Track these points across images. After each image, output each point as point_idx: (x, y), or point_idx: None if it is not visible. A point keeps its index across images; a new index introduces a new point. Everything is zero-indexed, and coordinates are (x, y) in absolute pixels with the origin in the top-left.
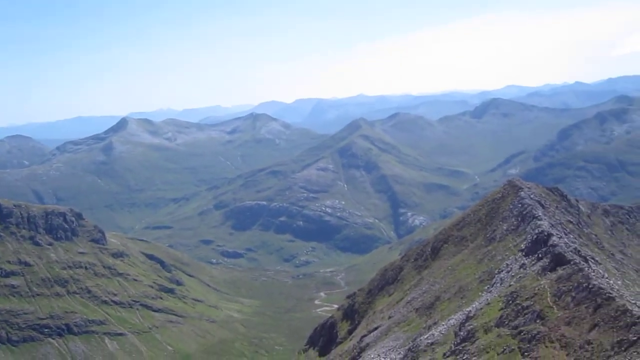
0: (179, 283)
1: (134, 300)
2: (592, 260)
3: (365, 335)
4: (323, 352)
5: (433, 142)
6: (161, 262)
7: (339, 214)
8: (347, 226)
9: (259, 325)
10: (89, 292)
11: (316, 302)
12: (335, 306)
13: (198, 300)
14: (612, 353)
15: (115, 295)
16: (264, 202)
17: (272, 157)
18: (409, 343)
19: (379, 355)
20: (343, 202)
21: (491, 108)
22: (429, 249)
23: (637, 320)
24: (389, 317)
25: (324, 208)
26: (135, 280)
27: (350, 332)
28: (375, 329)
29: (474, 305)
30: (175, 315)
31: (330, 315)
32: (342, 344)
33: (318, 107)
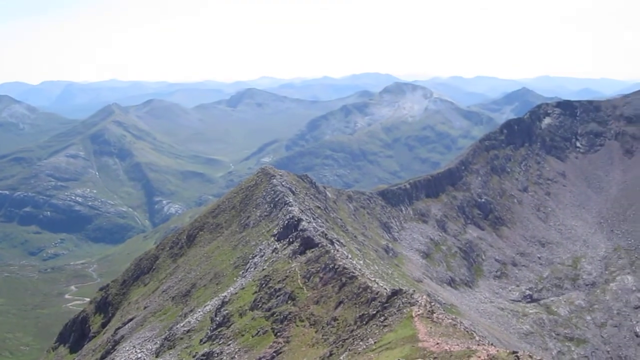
0: None
1: None
2: (338, 243)
3: (119, 328)
4: (75, 348)
5: (189, 129)
6: None
7: (90, 203)
8: (99, 216)
9: (2, 324)
10: None
11: (66, 296)
12: (88, 300)
13: None
14: (355, 327)
15: None
16: (6, 192)
17: (15, 142)
18: (166, 332)
19: (134, 347)
20: (95, 191)
21: (246, 97)
22: (185, 237)
23: (376, 296)
24: (145, 307)
25: (74, 197)
26: None
27: (103, 326)
28: (130, 320)
29: (229, 291)
30: None
31: (82, 309)
32: (95, 339)
33: (67, 90)
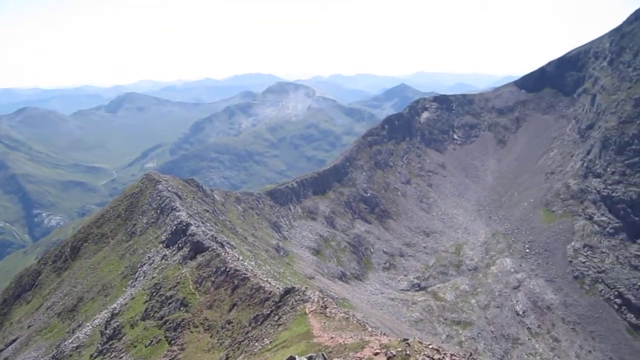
0: None
1: None
2: (228, 245)
3: (2, 350)
4: None
5: (67, 137)
6: None
7: None
8: None
9: None
10: None
11: None
12: None
13: None
14: (250, 328)
15: None
16: None
17: None
18: (53, 350)
19: None
20: None
21: (126, 102)
22: (69, 250)
23: (269, 296)
24: (29, 326)
25: None
26: None
27: None
28: (14, 341)
29: (118, 302)
30: None
31: None
32: None
33: None
